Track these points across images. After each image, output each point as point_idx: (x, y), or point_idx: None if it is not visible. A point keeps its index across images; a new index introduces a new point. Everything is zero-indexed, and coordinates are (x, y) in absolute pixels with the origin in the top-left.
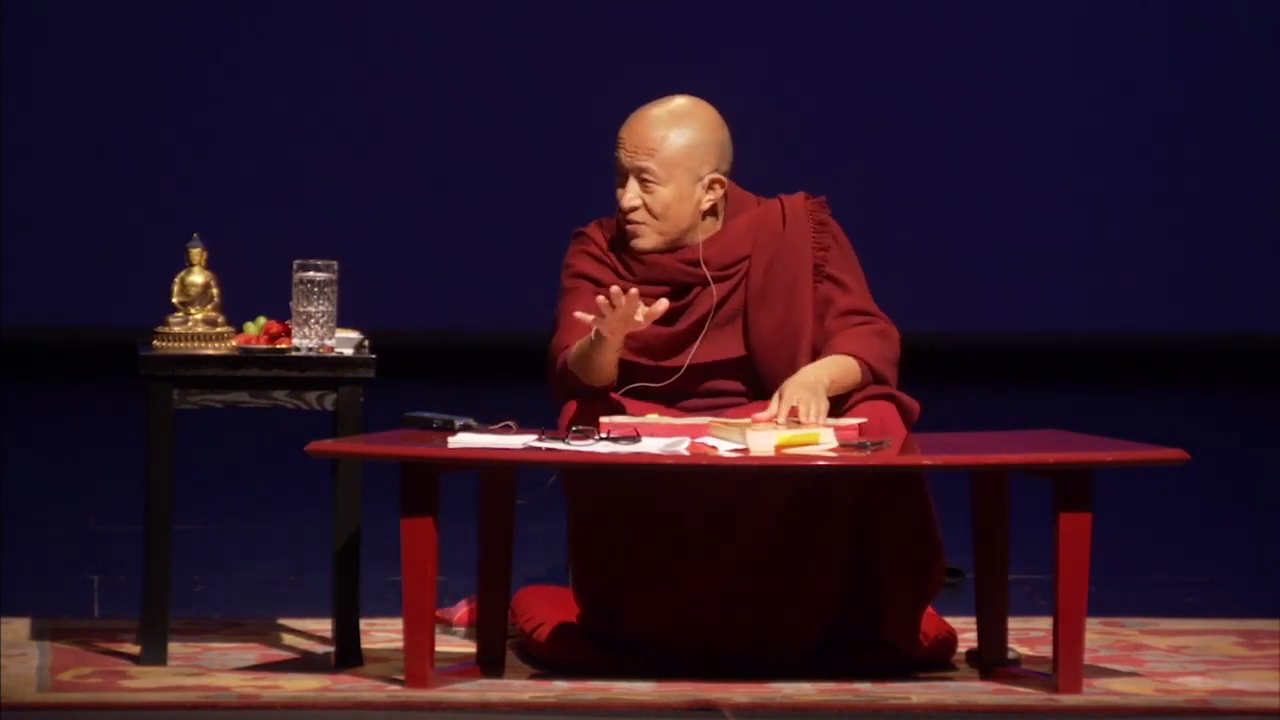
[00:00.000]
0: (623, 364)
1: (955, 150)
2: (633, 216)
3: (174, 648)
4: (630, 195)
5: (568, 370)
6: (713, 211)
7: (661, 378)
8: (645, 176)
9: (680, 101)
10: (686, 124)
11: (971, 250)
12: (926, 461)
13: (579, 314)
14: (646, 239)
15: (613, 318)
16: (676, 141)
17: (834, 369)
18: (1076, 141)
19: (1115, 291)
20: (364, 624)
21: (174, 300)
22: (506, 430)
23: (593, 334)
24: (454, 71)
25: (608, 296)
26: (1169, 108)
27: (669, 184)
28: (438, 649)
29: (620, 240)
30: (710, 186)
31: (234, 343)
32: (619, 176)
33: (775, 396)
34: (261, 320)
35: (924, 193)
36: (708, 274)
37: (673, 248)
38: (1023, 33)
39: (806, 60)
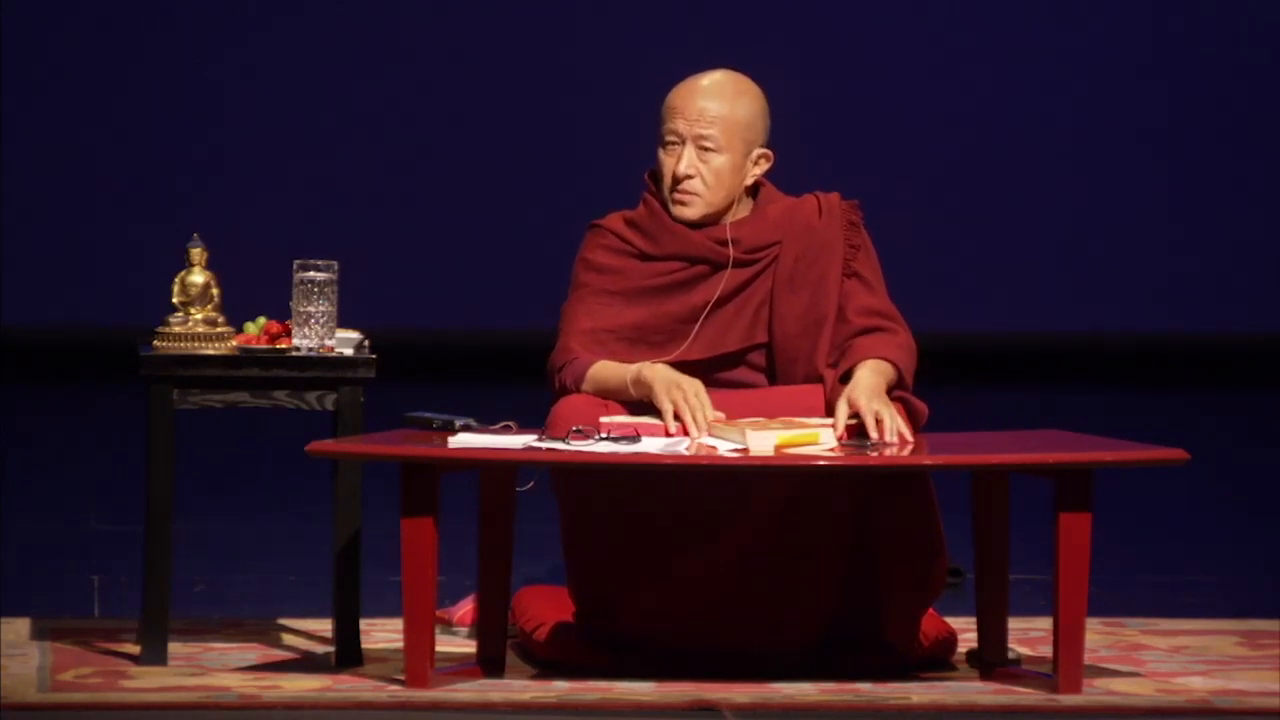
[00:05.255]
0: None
1: (955, 151)
2: (686, 185)
3: (174, 648)
4: (686, 163)
5: (578, 390)
6: (753, 190)
7: (675, 346)
8: (705, 144)
9: (729, 73)
10: (745, 94)
11: (972, 250)
12: (927, 461)
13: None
14: (694, 208)
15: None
16: (738, 110)
17: (885, 375)
18: (1077, 142)
19: (1115, 291)
20: (364, 624)
21: (174, 300)
22: (506, 430)
23: (629, 383)
24: (454, 71)
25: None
26: (1169, 109)
27: (726, 152)
28: (438, 649)
29: (649, 216)
30: (757, 161)
31: (234, 343)
32: (669, 145)
33: (842, 404)
34: (261, 320)
35: (924, 193)
36: (732, 254)
37: (713, 222)
38: (1025, 35)
39: (805, 62)
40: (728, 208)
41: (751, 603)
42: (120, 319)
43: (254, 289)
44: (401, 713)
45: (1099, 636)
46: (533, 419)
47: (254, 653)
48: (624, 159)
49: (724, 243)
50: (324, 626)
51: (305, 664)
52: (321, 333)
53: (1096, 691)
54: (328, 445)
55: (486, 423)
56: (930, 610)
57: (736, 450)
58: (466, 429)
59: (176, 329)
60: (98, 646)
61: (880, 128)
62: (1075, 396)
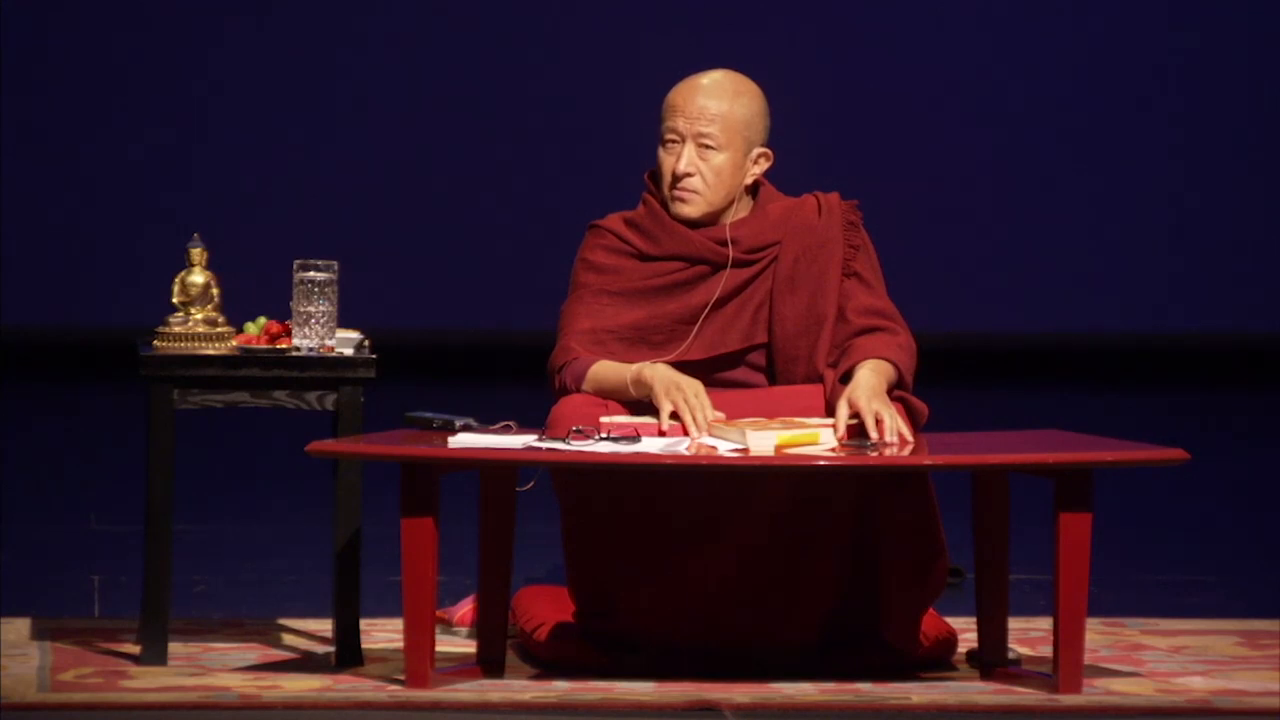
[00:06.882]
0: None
1: (956, 151)
2: (686, 183)
3: (174, 648)
4: (686, 161)
5: (578, 390)
6: (752, 189)
7: (674, 346)
8: (705, 142)
9: (729, 72)
10: (745, 93)
11: (972, 250)
12: (927, 461)
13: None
14: (695, 207)
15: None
16: (738, 109)
17: (885, 376)
18: (1077, 143)
19: (1115, 291)
20: (364, 624)
21: (174, 300)
22: (506, 430)
23: (629, 383)
24: (454, 70)
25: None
26: (1169, 109)
27: (726, 151)
28: (438, 649)
29: (649, 216)
30: (757, 160)
31: (234, 343)
32: (668, 144)
33: (843, 404)
34: (261, 320)
35: (924, 193)
36: (731, 254)
37: (713, 220)
38: (1027, 35)
39: (809, 62)
40: (727, 206)
41: (752, 602)
42: (120, 319)
43: (254, 289)
44: (401, 713)
45: (1099, 636)
46: (533, 419)
47: (254, 653)
48: (624, 159)
49: (724, 243)
50: (324, 626)
51: (305, 664)
52: (321, 333)
53: (1096, 691)
54: (328, 445)
55: (486, 423)
56: (930, 610)
57: (736, 450)
58: (466, 429)
59: (176, 329)
60: (98, 646)
61: (881, 127)
62: (1075, 396)
